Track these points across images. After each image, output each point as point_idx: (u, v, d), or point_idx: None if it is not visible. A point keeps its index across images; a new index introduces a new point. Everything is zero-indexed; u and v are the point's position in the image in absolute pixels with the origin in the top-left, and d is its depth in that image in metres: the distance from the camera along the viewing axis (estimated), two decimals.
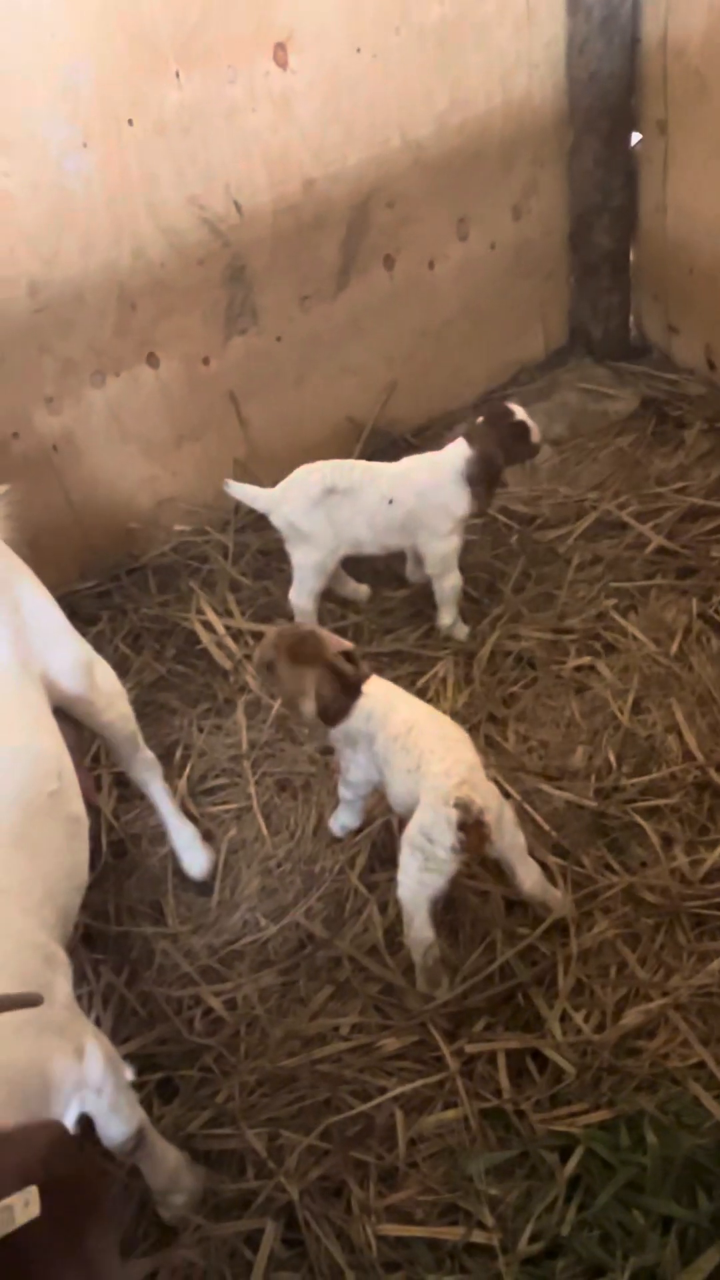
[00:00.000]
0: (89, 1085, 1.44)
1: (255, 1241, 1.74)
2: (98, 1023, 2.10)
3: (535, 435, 2.74)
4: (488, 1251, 1.69)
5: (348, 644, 2.17)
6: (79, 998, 2.14)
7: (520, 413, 2.72)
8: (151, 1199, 1.78)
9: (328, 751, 2.58)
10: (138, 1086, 1.97)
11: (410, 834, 1.97)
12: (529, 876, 2.06)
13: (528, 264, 3.64)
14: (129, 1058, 1.99)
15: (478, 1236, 1.70)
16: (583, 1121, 1.82)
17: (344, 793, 2.32)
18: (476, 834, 1.89)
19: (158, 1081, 2.01)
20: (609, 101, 3.37)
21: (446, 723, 2.09)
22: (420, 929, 2.01)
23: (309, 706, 2.10)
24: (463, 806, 1.86)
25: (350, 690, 2.11)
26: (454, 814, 1.87)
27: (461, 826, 1.87)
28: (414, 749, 2.00)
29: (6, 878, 1.46)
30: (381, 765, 2.09)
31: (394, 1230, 1.73)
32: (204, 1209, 1.79)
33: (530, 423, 2.72)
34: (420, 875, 1.96)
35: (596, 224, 3.60)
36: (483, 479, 2.67)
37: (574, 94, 3.39)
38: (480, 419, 2.74)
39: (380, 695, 2.12)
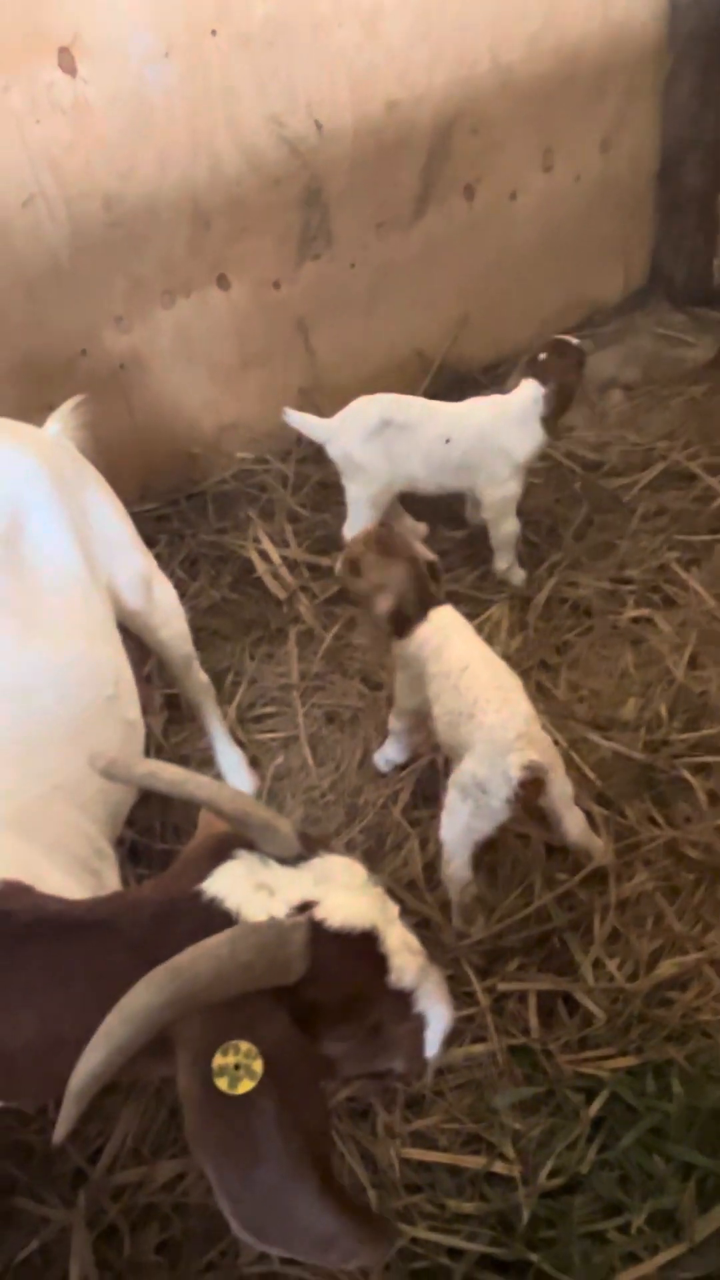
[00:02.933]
0: None
1: None
2: None
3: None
4: (508, 1182, 1.72)
5: (433, 555, 2.16)
6: None
7: (575, 340, 2.73)
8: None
9: (376, 687, 2.58)
10: None
11: (462, 780, 1.96)
12: (575, 825, 2.06)
13: (612, 200, 3.53)
14: None
15: (499, 1167, 1.74)
16: (609, 1066, 1.84)
17: (394, 723, 2.33)
18: (534, 789, 1.89)
19: None
20: (710, 27, 3.22)
21: (501, 668, 2.06)
22: (459, 869, 2.02)
23: (385, 603, 2.10)
24: (530, 767, 1.86)
25: (423, 606, 2.11)
26: (514, 769, 1.86)
27: (522, 785, 1.87)
28: (467, 693, 1.98)
29: (62, 773, 1.49)
30: (431, 699, 2.08)
31: (417, 1154, 1.77)
32: None
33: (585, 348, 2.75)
34: (469, 820, 1.97)
35: (687, 160, 3.47)
36: (560, 410, 2.66)
37: (674, 19, 3.25)
38: (544, 355, 2.68)
39: (440, 625, 2.11)
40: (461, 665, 2.03)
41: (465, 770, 1.95)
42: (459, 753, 1.99)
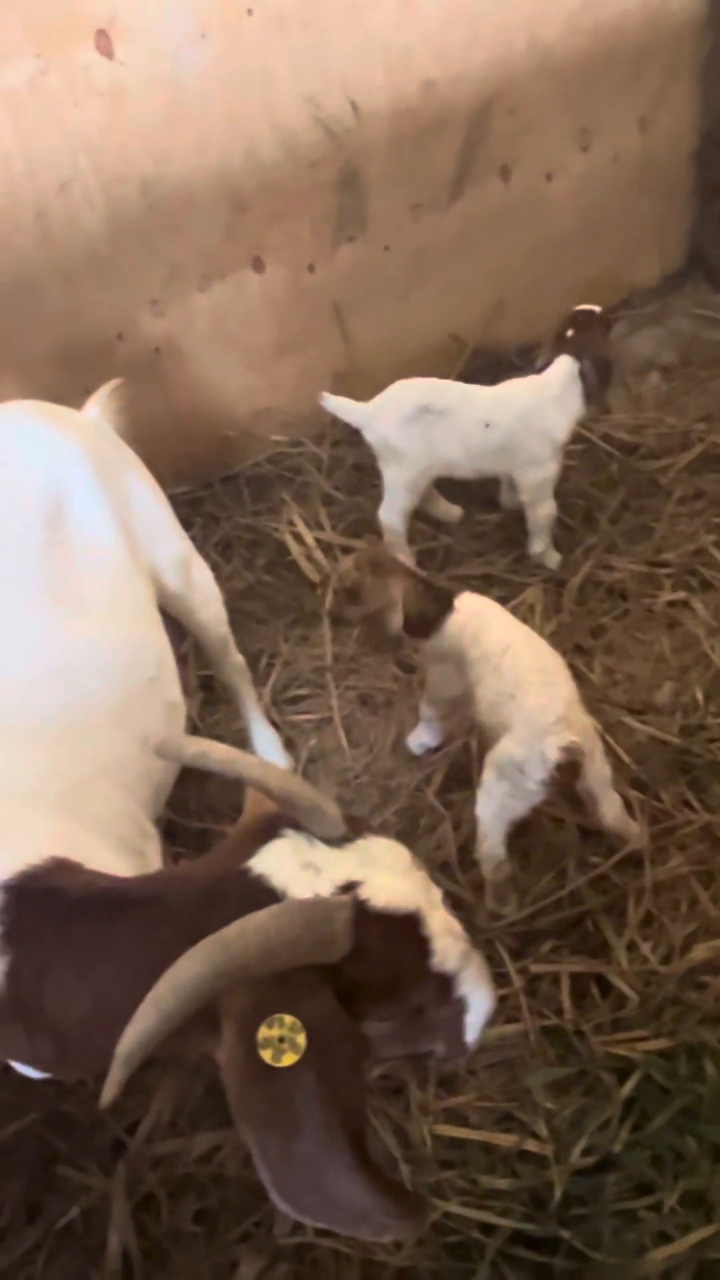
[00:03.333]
0: None
1: None
2: None
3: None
4: (540, 1160, 1.74)
5: (419, 572, 2.19)
6: None
7: (595, 308, 2.73)
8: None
9: (410, 670, 2.59)
10: None
11: (499, 760, 1.96)
12: (611, 809, 2.06)
13: (650, 181, 3.49)
14: None
15: (531, 1145, 1.75)
16: (642, 1048, 1.84)
17: (425, 710, 2.33)
18: (570, 772, 1.90)
19: None
20: None
21: (544, 649, 2.06)
22: (494, 847, 2.03)
23: (397, 619, 2.10)
24: (567, 750, 1.87)
25: (441, 601, 2.11)
26: (551, 752, 1.87)
27: (559, 767, 1.88)
28: (509, 674, 1.98)
29: (108, 754, 1.51)
30: (473, 682, 2.08)
31: (450, 1131, 1.79)
32: None
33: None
34: (504, 800, 1.98)
35: None
36: (602, 382, 2.65)
37: None
38: (571, 331, 2.67)
39: (474, 611, 2.11)
40: (503, 647, 2.02)
41: (503, 750, 1.95)
42: (499, 733, 1.99)
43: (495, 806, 2.00)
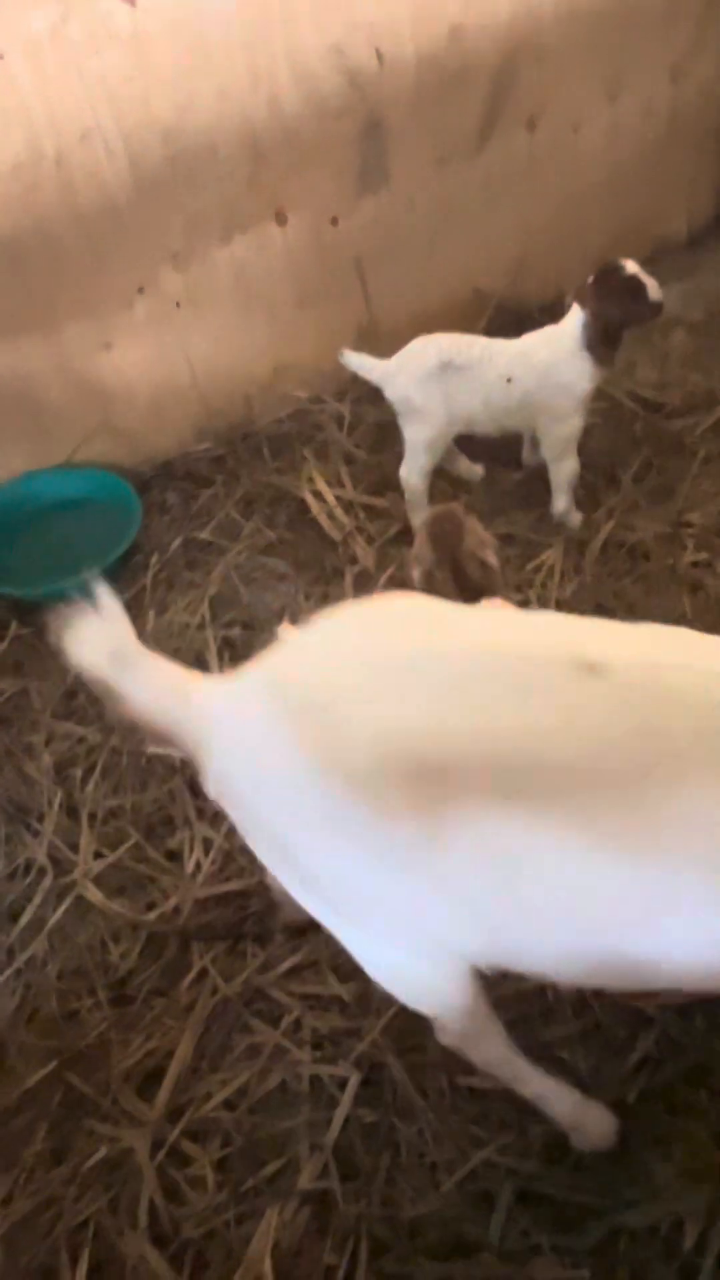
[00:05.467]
0: None
1: (339, 1079, 1.85)
2: (197, 866, 2.21)
3: (654, 292, 2.55)
4: None
5: (492, 557, 2.09)
6: (180, 841, 2.26)
7: (632, 266, 2.56)
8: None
9: None
10: (234, 921, 2.09)
11: None
12: None
13: (681, 133, 3.42)
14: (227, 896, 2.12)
15: None
16: (657, 1003, 1.86)
17: None
18: None
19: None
20: None
21: None
22: None
23: (415, 575, 2.10)
24: None
25: (468, 594, 2.06)
26: None
27: None
28: None
29: None
30: None
31: (470, 1082, 1.82)
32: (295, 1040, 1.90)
33: (646, 278, 2.54)
34: None
35: None
36: (602, 340, 2.56)
37: None
38: (590, 279, 2.59)
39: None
40: None
41: None
42: None
43: None
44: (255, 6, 2.57)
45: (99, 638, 1.38)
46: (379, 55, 2.79)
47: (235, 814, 1.43)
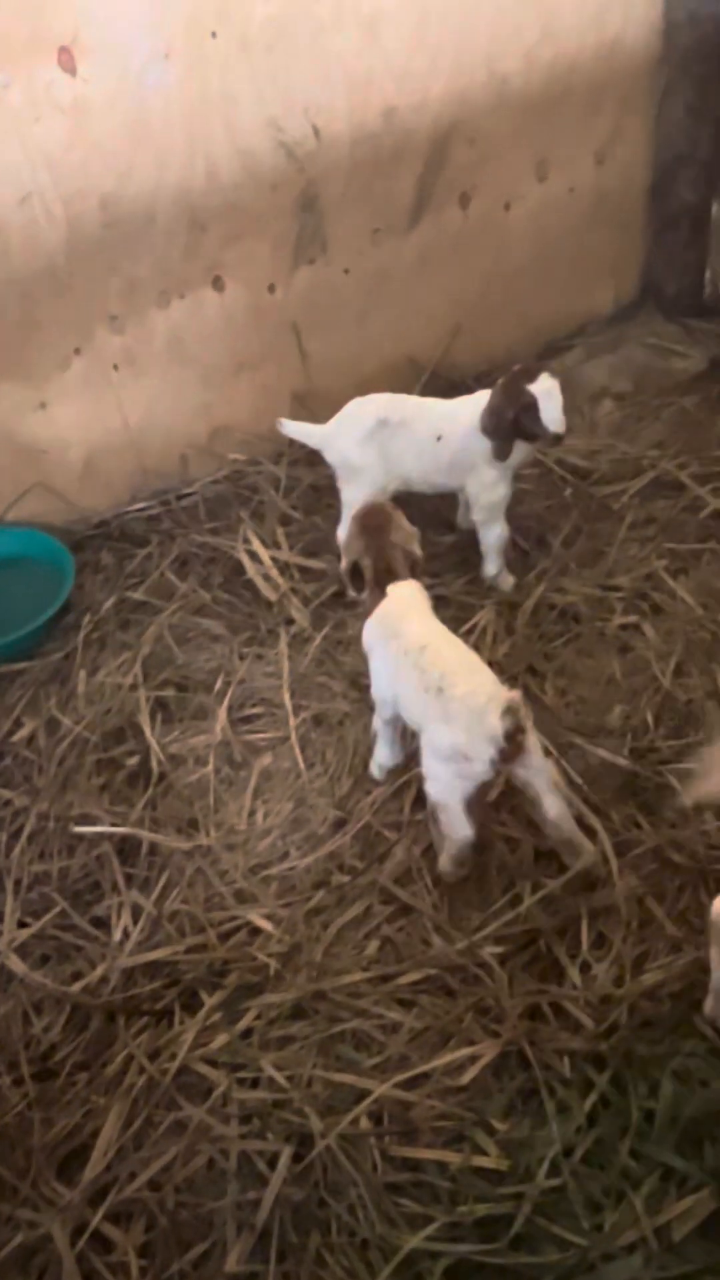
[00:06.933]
0: None
1: (267, 1155, 1.80)
2: (125, 934, 2.15)
3: (550, 420, 2.48)
4: (492, 1177, 1.73)
5: (417, 549, 2.28)
6: (108, 908, 2.20)
7: (543, 386, 2.48)
8: None
9: (366, 690, 2.59)
10: (161, 992, 2.03)
11: (440, 749, 2.03)
12: (554, 807, 2.08)
13: (606, 212, 3.56)
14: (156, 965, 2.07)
15: (484, 1162, 1.75)
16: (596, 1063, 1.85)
17: (375, 721, 2.34)
18: (515, 744, 1.94)
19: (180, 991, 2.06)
20: (707, 46, 3.25)
21: (462, 647, 2.15)
22: (460, 828, 2.07)
23: (343, 563, 2.27)
24: (510, 709, 1.90)
25: (380, 580, 2.20)
26: (495, 723, 1.90)
27: (507, 736, 1.91)
28: (431, 670, 2.05)
29: None
30: (393, 678, 2.16)
31: (403, 1152, 1.78)
32: (222, 1116, 1.84)
33: (549, 403, 2.48)
34: (452, 781, 2.04)
35: (681, 175, 3.50)
36: (494, 433, 2.59)
37: (670, 35, 3.28)
38: (502, 379, 2.58)
39: (399, 601, 2.19)
40: (420, 644, 2.09)
41: (442, 741, 2.01)
42: (424, 725, 2.07)
43: (445, 786, 2.05)
44: (195, 80, 2.64)
45: None
46: (316, 131, 2.87)
47: None
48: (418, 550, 2.30)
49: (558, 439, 2.55)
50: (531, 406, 2.50)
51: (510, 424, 2.56)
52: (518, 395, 2.52)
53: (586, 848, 2.13)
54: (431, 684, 2.03)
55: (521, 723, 1.93)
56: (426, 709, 2.05)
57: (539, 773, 2.05)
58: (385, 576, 2.22)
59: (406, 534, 2.29)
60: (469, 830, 2.07)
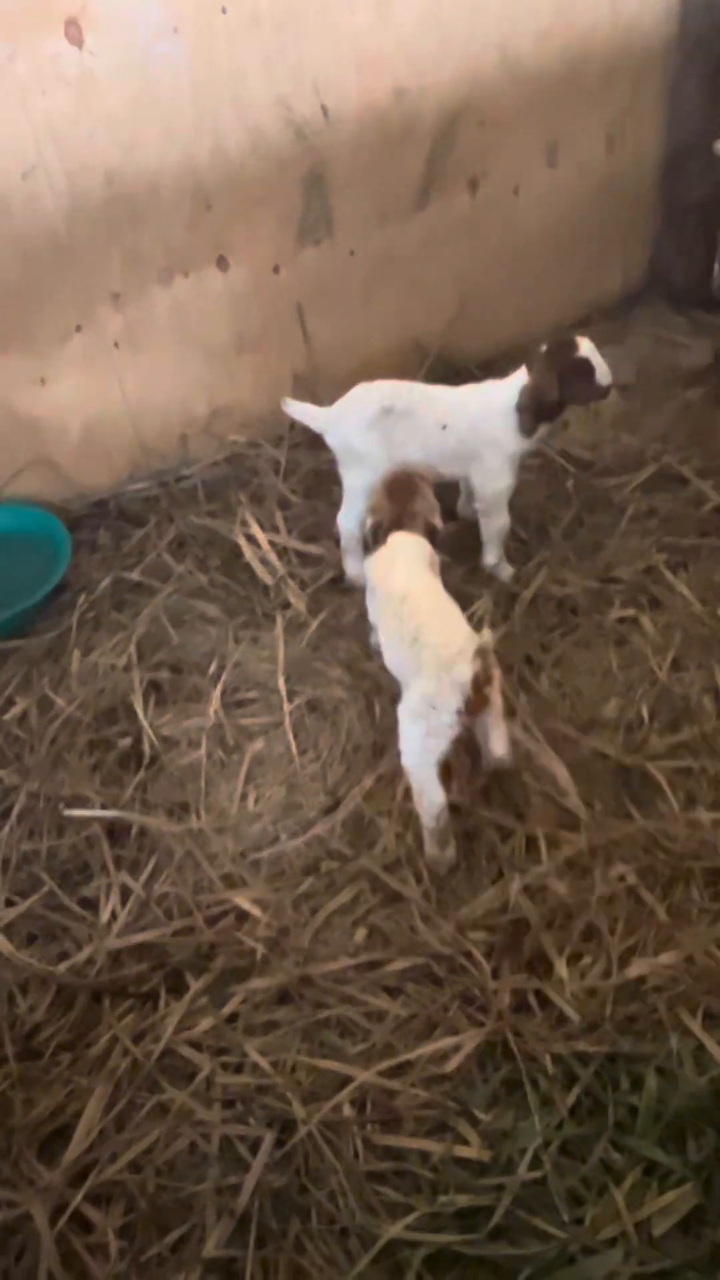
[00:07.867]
0: None
1: (250, 1140, 1.80)
2: (113, 916, 2.15)
3: (602, 375, 2.57)
4: (474, 1167, 1.73)
5: (438, 521, 2.38)
6: (97, 889, 2.19)
7: (586, 347, 2.56)
8: None
9: (361, 676, 2.58)
10: (147, 975, 2.03)
11: (411, 704, 2.07)
12: (500, 739, 2.13)
13: (615, 198, 3.52)
14: (143, 947, 2.06)
15: (466, 1152, 1.74)
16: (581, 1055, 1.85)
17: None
18: (481, 695, 1.98)
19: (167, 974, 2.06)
20: None
21: (443, 598, 2.20)
22: (432, 793, 2.09)
23: (372, 519, 2.36)
24: (480, 652, 1.94)
25: (388, 529, 2.31)
26: (463, 671, 1.94)
27: (474, 684, 1.95)
28: (409, 619, 2.10)
29: None
30: (376, 623, 2.24)
31: (385, 1140, 1.77)
32: (204, 1100, 1.84)
33: (597, 360, 2.56)
34: (424, 741, 2.06)
35: (692, 162, 3.46)
36: (532, 411, 2.58)
37: (684, 19, 3.24)
38: (543, 348, 2.61)
39: (390, 549, 2.28)
40: (401, 595, 2.17)
41: (414, 692, 2.06)
42: (405, 678, 2.12)
43: (417, 749, 2.07)
44: (204, 56, 2.60)
45: None
46: (324, 110, 2.84)
47: None
48: (438, 522, 2.38)
49: (608, 390, 2.63)
50: (586, 367, 2.56)
51: (559, 395, 2.58)
52: (570, 362, 2.56)
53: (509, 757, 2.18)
54: (408, 634, 2.09)
55: (490, 669, 1.97)
56: (404, 660, 2.12)
57: (494, 712, 2.09)
58: (391, 527, 2.32)
59: (430, 505, 2.38)
60: (440, 795, 2.10)
